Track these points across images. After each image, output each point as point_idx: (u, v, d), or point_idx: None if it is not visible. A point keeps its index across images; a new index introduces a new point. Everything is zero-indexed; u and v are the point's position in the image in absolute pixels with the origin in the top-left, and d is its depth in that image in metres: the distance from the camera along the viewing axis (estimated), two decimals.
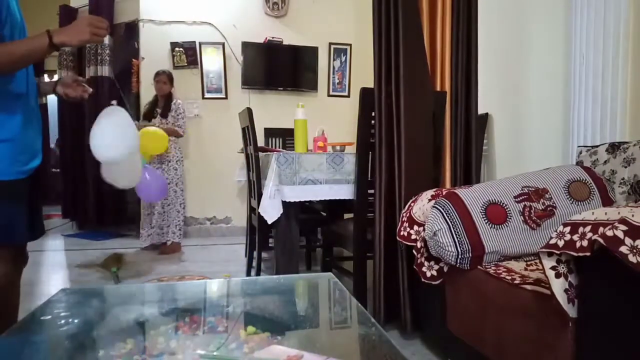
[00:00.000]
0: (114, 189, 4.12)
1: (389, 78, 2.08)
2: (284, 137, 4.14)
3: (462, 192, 1.62)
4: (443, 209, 1.58)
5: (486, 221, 1.53)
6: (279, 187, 2.27)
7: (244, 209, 4.39)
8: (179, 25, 4.59)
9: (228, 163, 4.50)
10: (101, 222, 4.94)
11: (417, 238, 1.79)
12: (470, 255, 1.51)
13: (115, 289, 1.88)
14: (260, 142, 3.87)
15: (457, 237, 1.52)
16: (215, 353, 0.85)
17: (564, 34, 2.51)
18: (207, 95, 4.68)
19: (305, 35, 4.85)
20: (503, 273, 1.41)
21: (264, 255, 3.29)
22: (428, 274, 1.72)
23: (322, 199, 2.34)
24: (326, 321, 1.20)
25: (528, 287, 1.26)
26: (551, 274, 1.09)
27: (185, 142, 4.62)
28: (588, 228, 1.03)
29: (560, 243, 1.08)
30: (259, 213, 2.42)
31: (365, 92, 2.12)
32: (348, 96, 5.03)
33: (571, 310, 1.08)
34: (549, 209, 1.56)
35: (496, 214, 1.54)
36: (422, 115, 2.08)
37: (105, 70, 4.68)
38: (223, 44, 4.64)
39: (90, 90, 1.52)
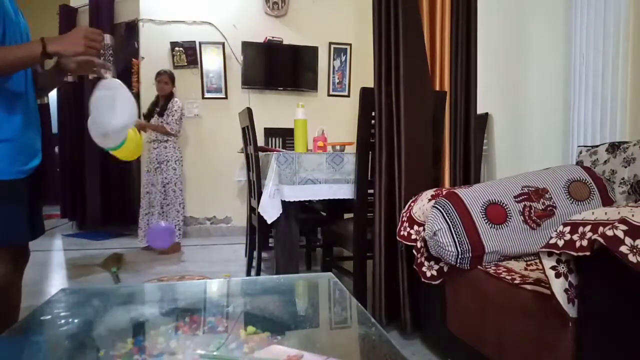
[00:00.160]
0: (114, 188, 4.12)
1: (389, 78, 2.08)
2: (284, 137, 4.14)
3: (462, 192, 1.62)
4: (443, 209, 1.58)
5: (486, 221, 1.53)
6: (279, 186, 2.27)
7: (244, 209, 4.40)
8: (179, 25, 4.59)
9: (228, 163, 4.50)
10: (101, 222, 4.95)
11: (417, 238, 1.79)
12: (470, 255, 1.51)
13: (115, 289, 1.88)
14: (260, 142, 3.87)
15: (457, 237, 1.52)
16: (215, 353, 0.85)
17: (564, 34, 2.51)
18: (207, 95, 4.68)
19: (305, 35, 4.85)
20: (503, 273, 1.41)
21: (264, 255, 3.29)
22: (428, 274, 1.72)
23: (322, 198, 2.34)
24: (326, 321, 1.20)
25: (528, 287, 1.26)
26: (551, 273, 1.09)
27: (185, 142, 4.63)
28: (588, 228, 1.03)
29: (560, 243, 1.08)
30: (258, 213, 2.42)
31: (365, 92, 2.12)
32: (348, 96, 5.03)
33: (571, 310, 1.08)
34: (549, 208, 1.56)
35: (496, 213, 1.54)
36: (422, 115, 2.08)
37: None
38: (223, 44, 4.64)
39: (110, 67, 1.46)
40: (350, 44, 4.98)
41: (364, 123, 2.15)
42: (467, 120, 2.27)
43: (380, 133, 2.09)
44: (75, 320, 1.06)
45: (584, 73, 2.29)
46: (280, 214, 2.29)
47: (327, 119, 4.28)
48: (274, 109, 4.70)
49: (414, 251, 1.80)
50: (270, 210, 2.27)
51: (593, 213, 1.07)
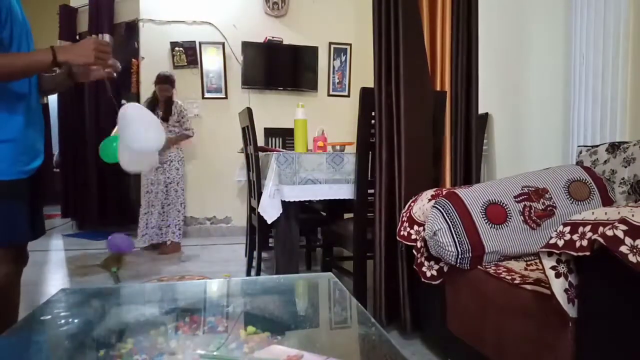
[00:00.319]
0: (113, 188, 4.11)
1: (389, 78, 2.08)
2: (284, 137, 4.14)
3: (462, 192, 1.62)
4: (443, 209, 1.58)
5: (486, 221, 1.53)
6: (279, 186, 2.27)
7: (244, 209, 4.40)
8: (179, 25, 4.59)
9: (228, 163, 4.50)
10: (101, 222, 4.95)
11: (417, 238, 1.79)
12: (470, 255, 1.51)
13: (115, 289, 1.88)
14: (260, 142, 3.87)
15: (457, 237, 1.52)
16: (215, 353, 0.85)
17: (564, 34, 2.51)
18: (207, 95, 4.68)
19: (305, 35, 4.85)
20: (503, 273, 1.41)
21: (264, 255, 3.29)
22: (428, 274, 1.72)
23: (322, 198, 2.34)
24: (326, 321, 1.20)
25: (528, 287, 1.26)
26: (551, 273, 1.09)
27: (185, 142, 4.62)
28: (588, 228, 1.03)
29: (560, 243, 1.08)
30: (258, 213, 2.42)
31: (365, 92, 2.12)
32: (348, 96, 5.03)
33: (571, 310, 1.08)
34: (549, 208, 1.56)
35: (496, 213, 1.54)
36: (422, 115, 2.08)
37: None
38: (223, 44, 4.64)
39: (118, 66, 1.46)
40: (350, 44, 4.98)
41: (364, 123, 2.15)
42: (468, 120, 2.27)
43: (380, 133, 2.09)
44: (75, 320, 1.06)
45: (584, 73, 2.29)
46: (280, 214, 2.29)
47: (327, 119, 4.28)
48: (274, 109, 4.70)
49: (414, 251, 1.80)
50: (270, 211, 2.27)
51: (593, 213, 1.07)
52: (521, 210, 1.55)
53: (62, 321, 1.04)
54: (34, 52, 1.33)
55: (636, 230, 0.91)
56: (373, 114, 2.12)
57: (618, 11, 2.11)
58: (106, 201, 5.04)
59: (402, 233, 1.87)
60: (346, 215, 2.97)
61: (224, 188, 4.70)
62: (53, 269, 3.49)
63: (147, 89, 4.54)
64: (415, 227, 1.81)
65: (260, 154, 2.74)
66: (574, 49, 2.36)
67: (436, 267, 1.70)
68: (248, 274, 3.09)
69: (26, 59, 1.28)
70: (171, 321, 1.08)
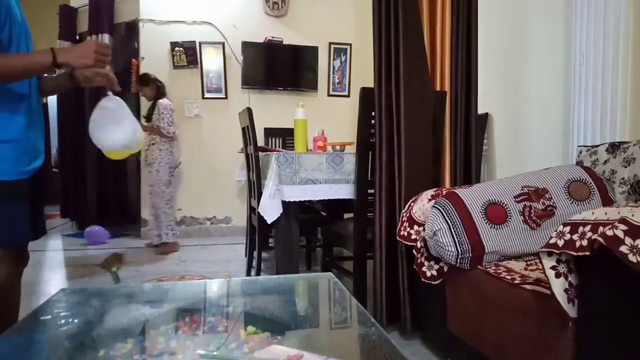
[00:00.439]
0: (113, 188, 4.10)
1: (389, 78, 2.08)
2: (284, 137, 4.14)
3: (462, 192, 1.62)
4: (443, 209, 1.58)
5: (486, 221, 1.53)
6: (279, 186, 2.27)
7: (244, 209, 4.40)
8: (179, 25, 4.59)
9: (228, 163, 4.50)
10: (101, 222, 4.94)
11: (417, 238, 1.79)
12: (470, 255, 1.51)
13: (115, 289, 1.87)
14: (260, 142, 3.87)
15: (457, 237, 1.52)
16: (215, 353, 0.85)
17: (564, 33, 2.51)
18: (207, 95, 4.68)
19: (305, 35, 4.85)
20: (503, 273, 1.41)
21: (264, 255, 3.29)
22: (428, 274, 1.72)
23: (322, 198, 2.34)
24: (326, 321, 1.20)
25: (528, 287, 1.26)
26: (551, 273, 1.09)
27: (185, 142, 4.63)
28: (588, 228, 1.03)
29: (560, 243, 1.08)
30: (259, 213, 2.42)
31: (365, 92, 2.12)
32: (348, 96, 5.03)
33: (571, 310, 1.08)
34: (549, 208, 1.56)
35: (496, 213, 1.54)
36: (422, 115, 2.08)
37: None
38: (223, 44, 4.64)
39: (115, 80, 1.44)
40: (350, 44, 4.98)
41: (364, 123, 2.15)
42: (468, 120, 2.27)
43: (380, 133, 2.09)
44: (75, 320, 1.06)
45: (584, 73, 2.29)
46: (281, 214, 2.29)
47: (327, 119, 4.28)
48: (274, 109, 4.70)
49: (414, 251, 1.80)
50: (270, 211, 2.27)
51: (593, 213, 1.07)
52: (521, 210, 1.55)
53: (62, 321, 1.04)
54: (33, 53, 1.33)
55: (636, 230, 0.91)
56: (373, 114, 2.12)
57: (618, 11, 2.11)
58: (106, 201, 5.04)
59: (402, 233, 1.87)
60: (346, 215, 2.97)
61: (224, 188, 4.70)
62: (53, 269, 3.49)
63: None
64: (415, 227, 1.81)
65: (260, 154, 2.74)
66: (574, 49, 2.36)
67: (436, 267, 1.70)
68: (248, 274, 3.09)
69: (26, 60, 1.28)
70: (171, 321, 1.08)
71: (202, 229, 4.74)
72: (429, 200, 1.80)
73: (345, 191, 2.33)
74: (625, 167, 1.65)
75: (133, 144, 1.47)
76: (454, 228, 1.53)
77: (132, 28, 4.71)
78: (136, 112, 4.51)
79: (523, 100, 2.89)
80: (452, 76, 2.24)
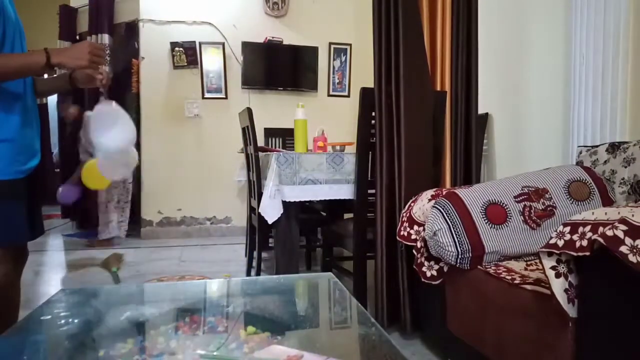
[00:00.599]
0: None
1: (389, 78, 2.08)
2: (284, 137, 4.14)
3: (462, 192, 1.62)
4: (443, 209, 1.58)
5: (486, 221, 1.53)
6: (279, 187, 2.27)
7: (244, 209, 4.40)
8: (179, 25, 4.59)
9: (228, 163, 4.50)
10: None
11: (417, 238, 1.79)
12: (470, 255, 1.51)
13: (115, 289, 1.88)
14: (260, 142, 3.87)
15: (457, 237, 1.52)
16: (215, 353, 0.85)
17: (564, 34, 2.51)
18: (207, 95, 4.68)
19: (305, 35, 4.84)
20: (503, 273, 1.41)
21: (264, 255, 3.28)
22: (428, 274, 1.72)
23: (322, 199, 2.33)
24: (326, 321, 1.20)
25: (528, 287, 1.26)
26: (551, 273, 1.09)
27: (185, 142, 4.63)
28: (588, 228, 1.03)
29: (560, 243, 1.08)
30: (259, 213, 2.42)
31: (365, 92, 2.12)
32: (348, 96, 5.03)
33: (571, 310, 1.08)
34: (549, 209, 1.56)
35: (496, 214, 1.54)
36: (422, 115, 2.08)
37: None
38: (223, 44, 4.64)
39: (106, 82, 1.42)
40: (350, 44, 4.98)
41: (364, 123, 2.15)
42: (468, 120, 2.27)
43: (380, 133, 2.09)
44: (75, 320, 1.06)
45: (584, 73, 2.29)
46: (281, 214, 2.29)
47: (327, 119, 4.27)
48: (274, 109, 4.70)
49: (414, 251, 1.80)
50: (270, 211, 2.27)
51: (593, 213, 1.07)
52: (521, 210, 1.55)
53: (62, 321, 1.04)
54: (27, 53, 1.32)
55: (636, 230, 0.91)
56: (373, 114, 2.12)
57: (618, 11, 2.11)
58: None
59: (402, 233, 1.87)
60: (346, 215, 2.97)
61: (224, 188, 4.70)
62: (53, 269, 3.49)
63: (147, 89, 4.55)
64: (415, 227, 1.81)
65: (260, 154, 2.74)
66: (574, 49, 2.36)
67: (436, 267, 1.70)
68: (248, 274, 3.08)
69: (20, 59, 1.27)
70: (171, 321, 1.08)
71: (202, 229, 4.74)
72: (429, 200, 1.80)
73: (345, 191, 2.33)
74: (625, 167, 1.65)
75: (130, 147, 1.46)
76: (454, 228, 1.53)
77: (132, 28, 4.71)
78: (136, 112, 4.51)
79: (523, 100, 2.89)
80: (452, 76, 2.24)
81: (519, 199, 1.57)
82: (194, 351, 0.88)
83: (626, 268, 0.90)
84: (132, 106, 4.53)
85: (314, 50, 4.84)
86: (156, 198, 4.62)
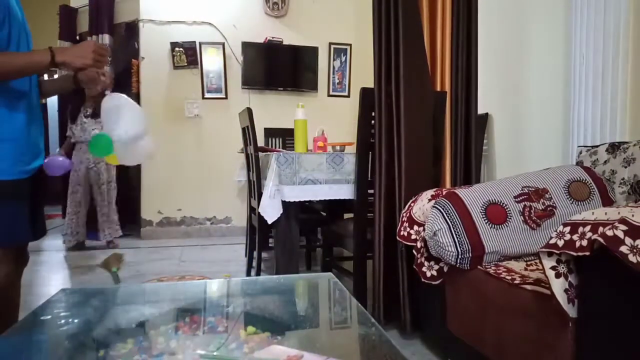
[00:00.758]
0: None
1: (389, 78, 2.08)
2: (284, 137, 4.14)
3: (462, 192, 1.62)
4: (443, 209, 1.58)
5: (486, 221, 1.53)
6: (279, 187, 2.27)
7: (244, 209, 4.40)
8: (179, 25, 4.59)
9: (228, 163, 4.50)
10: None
11: (417, 238, 1.79)
12: (470, 255, 1.51)
13: (115, 289, 1.87)
14: (260, 142, 3.87)
15: (457, 237, 1.52)
16: (215, 353, 0.85)
17: (564, 34, 2.51)
18: (207, 95, 4.68)
19: (305, 35, 4.85)
20: (503, 273, 1.41)
21: (264, 255, 3.29)
22: (428, 274, 1.72)
23: (322, 199, 2.33)
24: (326, 321, 1.20)
25: (528, 287, 1.26)
26: (551, 274, 1.09)
27: (185, 142, 4.63)
28: (588, 228, 1.03)
29: (560, 243, 1.08)
30: (259, 213, 2.42)
31: (365, 92, 2.12)
32: (348, 96, 5.03)
33: (571, 310, 1.08)
34: (549, 209, 1.56)
35: (496, 214, 1.54)
36: (422, 115, 2.08)
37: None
38: (223, 44, 4.64)
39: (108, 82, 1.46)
40: (350, 44, 4.98)
41: (364, 123, 2.15)
42: (468, 120, 2.27)
43: (380, 133, 2.09)
44: (75, 320, 1.06)
45: (584, 73, 2.29)
46: (281, 214, 2.29)
47: (327, 119, 4.28)
48: (274, 109, 4.70)
49: (414, 251, 1.80)
50: (270, 211, 2.27)
51: (593, 213, 1.07)
52: (521, 210, 1.55)
53: (62, 321, 1.04)
54: (32, 52, 1.33)
55: (636, 230, 0.91)
56: (373, 114, 2.12)
57: (618, 11, 2.11)
58: None
59: (402, 233, 1.87)
60: (346, 215, 2.97)
61: (224, 188, 4.70)
62: (53, 269, 3.49)
63: (147, 89, 4.55)
64: (415, 227, 1.81)
65: (260, 154, 2.74)
66: (574, 49, 2.36)
67: (436, 267, 1.70)
68: (248, 274, 3.09)
69: (25, 58, 1.27)
70: (171, 321, 1.08)
71: (202, 229, 4.74)
72: (429, 200, 1.80)
73: (345, 191, 2.33)
74: (625, 167, 1.65)
75: (142, 134, 1.47)
76: (454, 228, 1.53)
77: (132, 28, 4.71)
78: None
79: (523, 100, 2.90)
80: (452, 76, 2.24)
81: (519, 199, 1.57)
82: (194, 351, 0.88)
83: (626, 268, 0.90)
84: None
85: (314, 50, 4.84)
86: (156, 198, 4.62)
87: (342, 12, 4.93)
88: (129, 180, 5.01)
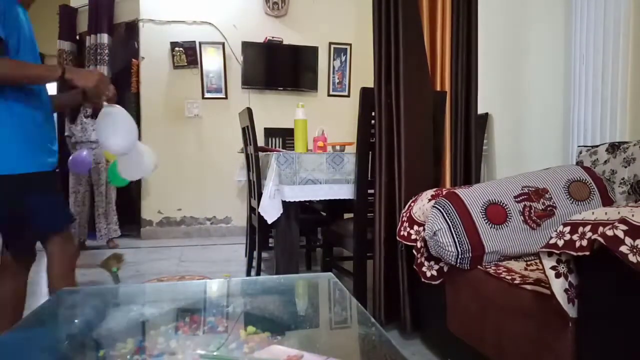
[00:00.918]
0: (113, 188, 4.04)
1: (389, 78, 2.08)
2: (284, 137, 4.14)
3: (462, 192, 1.62)
4: (443, 209, 1.58)
5: (486, 221, 1.53)
6: (279, 187, 2.27)
7: (244, 209, 4.40)
8: (179, 25, 4.59)
9: (228, 163, 4.50)
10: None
11: (417, 238, 1.79)
12: (470, 255, 1.51)
13: (115, 289, 1.88)
14: (260, 142, 3.87)
15: (457, 237, 1.52)
16: (215, 353, 0.85)
17: (564, 34, 2.51)
18: (207, 95, 4.68)
19: (305, 35, 4.84)
20: (503, 273, 1.41)
21: (264, 255, 3.29)
22: (428, 274, 1.72)
23: (322, 198, 2.33)
24: (326, 321, 1.20)
25: (528, 287, 1.26)
26: (551, 273, 1.09)
27: (185, 142, 4.63)
28: (588, 228, 1.03)
29: (560, 243, 1.08)
30: (259, 213, 2.42)
31: (365, 92, 2.12)
32: (348, 96, 5.03)
33: (571, 310, 1.08)
34: (549, 209, 1.56)
35: (496, 213, 1.54)
36: (422, 115, 2.08)
37: (104, 71, 4.68)
38: (223, 44, 4.64)
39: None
40: (350, 44, 4.98)
41: (364, 123, 2.15)
42: (468, 120, 2.27)
43: (380, 133, 2.09)
44: (75, 320, 1.06)
45: (584, 73, 2.29)
46: (281, 214, 2.29)
47: (327, 119, 4.27)
48: (274, 109, 4.70)
49: (414, 251, 1.80)
50: (270, 211, 2.27)
51: (593, 213, 1.07)
52: (521, 210, 1.55)
53: (62, 321, 1.04)
54: (46, 65, 1.56)
55: (636, 230, 0.91)
56: (373, 114, 2.12)
57: (618, 11, 2.11)
58: None
59: (402, 233, 1.87)
60: (346, 215, 2.97)
61: (224, 188, 4.70)
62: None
63: (147, 89, 4.54)
64: (415, 227, 1.81)
65: (260, 154, 2.74)
66: (574, 49, 2.36)
67: (436, 267, 1.70)
68: (248, 274, 3.08)
69: (39, 69, 1.48)
70: (171, 321, 1.08)
71: (202, 229, 4.74)
72: (429, 200, 1.80)
73: (345, 191, 2.33)
74: (625, 167, 1.65)
75: (133, 147, 1.62)
76: (454, 228, 1.53)
77: (132, 28, 4.71)
78: (136, 112, 4.51)
79: (523, 100, 2.90)
80: (452, 76, 2.24)
81: (519, 199, 1.57)
82: (194, 351, 0.88)
83: (626, 268, 0.90)
84: (132, 106, 4.53)
85: (314, 50, 4.84)
86: (156, 198, 4.62)
87: (342, 12, 4.92)
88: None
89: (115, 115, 1.56)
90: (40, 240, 1.56)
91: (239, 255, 3.75)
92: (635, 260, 0.88)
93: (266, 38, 4.70)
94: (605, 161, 1.75)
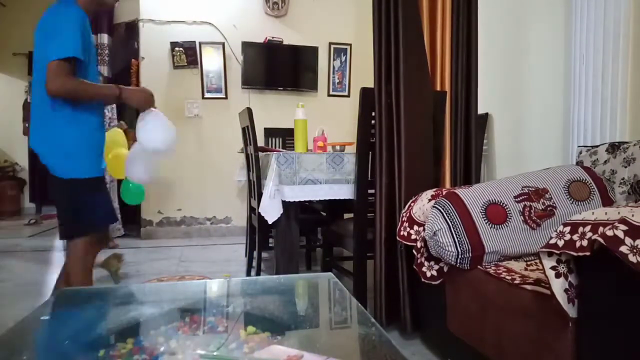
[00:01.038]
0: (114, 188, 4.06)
1: (389, 78, 2.08)
2: (284, 137, 4.14)
3: (462, 192, 1.62)
4: (443, 209, 1.58)
5: (486, 221, 1.53)
6: (279, 187, 2.27)
7: (244, 209, 4.40)
8: (179, 25, 4.59)
9: (228, 163, 4.50)
10: None
11: (417, 238, 1.79)
12: (470, 255, 1.51)
13: (115, 289, 1.87)
14: (260, 142, 3.87)
15: (457, 237, 1.52)
16: (215, 353, 0.85)
17: (564, 34, 2.51)
18: (207, 95, 4.68)
19: (305, 35, 4.84)
20: (503, 273, 1.41)
21: (264, 255, 3.29)
22: (428, 274, 1.72)
23: (322, 199, 2.33)
24: (326, 321, 1.20)
25: (528, 287, 1.26)
26: (551, 273, 1.09)
27: (185, 142, 4.62)
28: (588, 228, 1.03)
29: (560, 243, 1.08)
30: (259, 213, 2.42)
31: (365, 92, 2.12)
32: (348, 96, 5.03)
33: (571, 310, 1.08)
34: (549, 209, 1.56)
35: (496, 214, 1.54)
36: (422, 115, 2.08)
37: (104, 71, 4.68)
38: (223, 44, 4.64)
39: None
40: (350, 44, 4.98)
41: (364, 123, 2.15)
42: (468, 120, 2.27)
43: (380, 133, 2.09)
44: (75, 320, 1.06)
45: (584, 73, 2.29)
46: (281, 214, 2.29)
47: (327, 119, 4.27)
48: (274, 109, 4.70)
49: (414, 251, 1.80)
50: (270, 211, 2.27)
51: (593, 213, 1.07)
52: (521, 210, 1.55)
53: (62, 321, 1.04)
54: (108, 86, 1.80)
55: (636, 230, 0.91)
56: (373, 114, 2.12)
57: (618, 11, 2.11)
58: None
59: (402, 233, 1.87)
60: (346, 215, 2.97)
61: (224, 188, 4.70)
62: (54, 269, 3.49)
63: None
64: (415, 227, 1.81)
65: (260, 154, 2.74)
66: (574, 49, 2.36)
67: (436, 267, 1.70)
68: (248, 274, 3.08)
69: (105, 90, 1.77)
70: (171, 321, 1.08)
71: (202, 229, 4.74)
72: (429, 200, 1.80)
73: (345, 191, 2.33)
74: (625, 167, 1.65)
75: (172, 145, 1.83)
76: (454, 228, 1.53)
77: (132, 28, 4.71)
78: (136, 112, 4.50)
79: (523, 100, 2.90)
80: (452, 76, 2.24)
81: (519, 199, 1.57)
82: (194, 351, 0.88)
83: (626, 268, 0.90)
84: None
85: (314, 50, 4.84)
86: (156, 198, 4.61)
87: (342, 12, 4.92)
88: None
89: (161, 120, 1.81)
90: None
91: (239, 255, 3.75)
92: (635, 261, 0.88)
93: (266, 38, 4.70)
94: (605, 161, 1.75)
